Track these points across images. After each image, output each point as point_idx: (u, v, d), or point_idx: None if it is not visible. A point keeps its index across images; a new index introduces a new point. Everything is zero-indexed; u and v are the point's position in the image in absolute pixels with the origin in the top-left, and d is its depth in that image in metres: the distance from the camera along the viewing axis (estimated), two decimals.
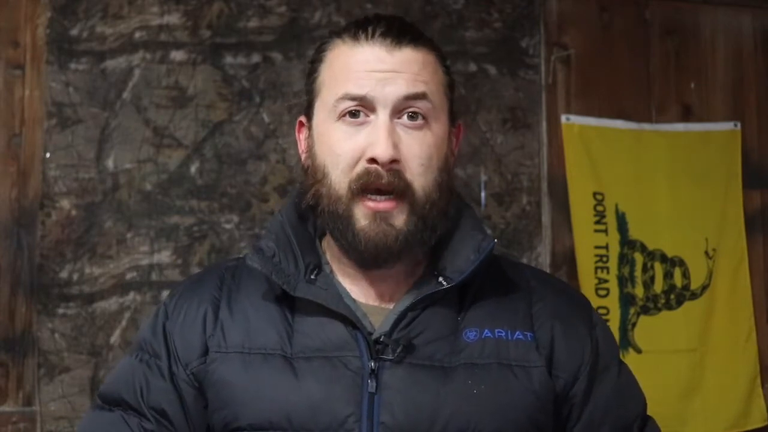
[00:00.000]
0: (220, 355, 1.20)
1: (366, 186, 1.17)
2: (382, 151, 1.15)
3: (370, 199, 1.17)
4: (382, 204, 1.17)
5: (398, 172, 1.17)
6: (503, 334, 1.20)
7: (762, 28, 2.95)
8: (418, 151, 1.18)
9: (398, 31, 1.20)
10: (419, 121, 1.19)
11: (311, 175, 1.23)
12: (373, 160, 1.16)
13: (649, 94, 2.86)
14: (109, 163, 2.52)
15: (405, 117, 1.18)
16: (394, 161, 1.16)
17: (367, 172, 1.17)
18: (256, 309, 1.22)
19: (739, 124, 2.90)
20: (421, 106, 1.18)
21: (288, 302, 1.22)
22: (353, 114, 1.19)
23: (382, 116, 1.17)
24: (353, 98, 1.18)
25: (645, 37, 2.87)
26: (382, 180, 1.16)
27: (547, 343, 1.22)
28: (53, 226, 2.48)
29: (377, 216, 1.17)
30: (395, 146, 1.16)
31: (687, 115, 2.88)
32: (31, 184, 2.48)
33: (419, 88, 1.18)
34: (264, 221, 2.56)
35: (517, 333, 1.21)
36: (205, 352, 1.21)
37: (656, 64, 2.87)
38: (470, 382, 1.15)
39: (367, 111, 1.18)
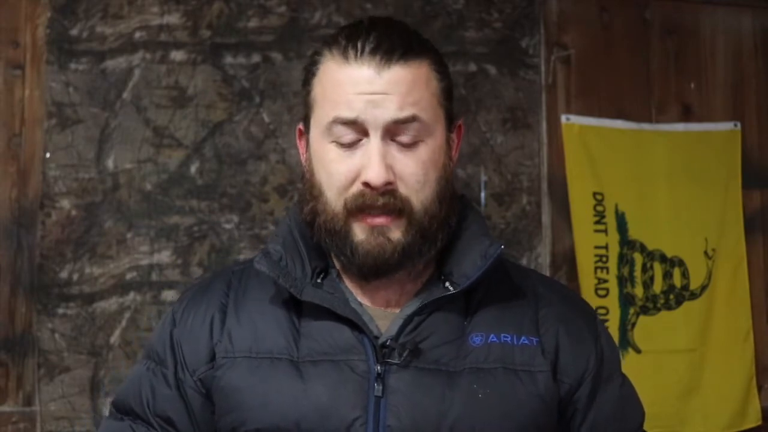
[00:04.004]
0: (228, 360, 1.20)
1: (362, 207, 1.18)
2: (375, 175, 1.15)
3: (367, 215, 1.18)
4: (378, 219, 1.18)
5: (393, 192, 1.17)
6: (509, 338, 1.20)
7: (762, 28, 2.94)
8: (414, 169, 1.18)
9: (388, 47, 1.18)
10: (413, 141, 1.18)
11: (308, 190, 1.24)
12: (367, 184, 1.17)
13: (648, 94, 2.86)
14: (109, 163, 2.51)
15: (398, 137, 1.18)
16: (388, 184, 1.16)
17: (362, 194, 1.17)
18: (263, 313, 1.23)
19: (738, 124, 2.90)
20: (412, 128, 1.18)
21: (295, 306, 1.22)
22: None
23: (374, 139, 1.17)
24: (345, 122, 1.17)
25: (645, 37, 2.87)
26: (378, 202, 1.17)
27: (552, 348, 1.23)
28: (53, 226, 2.47)
29: (374, 230, 1.18)
30: (389, 168, 1.16)
31: (687, 115, 2.88)
32: (31, 184, 2.48)
33: (408, 112, 1.17)
34: (264, 221, 2.56)
35: (523, 338, 1.21)
36: (212, 358, 1.22)
37: (656, 64, 2.87)
38: (476, 386, 1.16)
39: (360, 134, 1.18)
